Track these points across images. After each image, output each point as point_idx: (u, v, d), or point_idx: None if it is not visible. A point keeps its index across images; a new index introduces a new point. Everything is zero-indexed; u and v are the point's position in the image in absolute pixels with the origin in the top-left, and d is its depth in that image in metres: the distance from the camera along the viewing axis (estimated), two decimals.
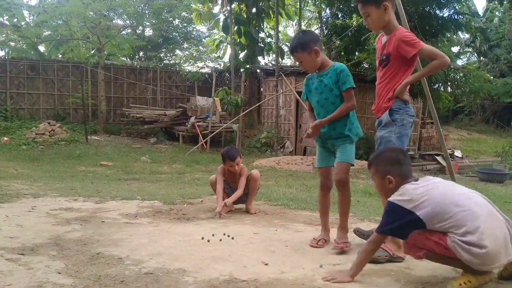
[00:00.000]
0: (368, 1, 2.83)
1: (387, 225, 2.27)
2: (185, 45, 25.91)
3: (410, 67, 2.90)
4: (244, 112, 14.74)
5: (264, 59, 19.69)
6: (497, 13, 24.98)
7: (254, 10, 17.48)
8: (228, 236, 3.29)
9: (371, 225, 4.04)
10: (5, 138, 12.31)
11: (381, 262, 2.74)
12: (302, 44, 3.10)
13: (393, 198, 2.27)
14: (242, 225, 3.80)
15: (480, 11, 25.85)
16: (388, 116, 2.95)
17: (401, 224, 2.22)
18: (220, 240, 3.19)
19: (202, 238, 3.21)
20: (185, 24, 24.73)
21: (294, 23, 26.01)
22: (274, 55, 18.10)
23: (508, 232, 2.17)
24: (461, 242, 2.09)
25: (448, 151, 10.54)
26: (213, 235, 3.30)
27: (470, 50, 26.86)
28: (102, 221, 3.75)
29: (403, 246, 2.34)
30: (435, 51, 2.82)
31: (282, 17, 19.69)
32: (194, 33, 25.93)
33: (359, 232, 3.25)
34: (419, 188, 2.24)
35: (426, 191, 2.21)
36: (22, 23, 16.32)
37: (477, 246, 2.06)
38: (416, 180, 2.35)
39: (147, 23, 21.78)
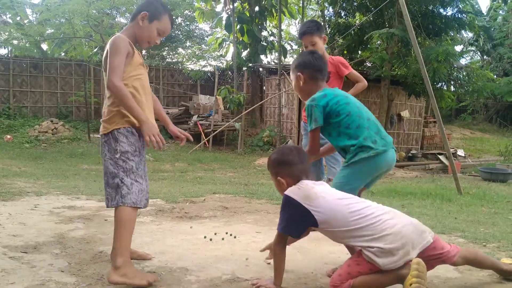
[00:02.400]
0: (315, 32, 3.46)
1: (286, 226, 2.20)
2: (188, 44, 25.88)
3: (340, 85, 3.53)
4: (246, 111, 14.73)
5: (266, 57, 19.71)
6: (500, 11, 24.85)
7: (257, 8, 17.46)
8: (231, 235, 3.29)
9: None
10: (8, 136, 12.34)
11: None
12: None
13: (288, 194, 2.20)
14: (245, 224, 3.81)
15: (484, 10, 25.74)
16: None
17: (296, 224, 2.19)
18: (223, 239, 3.20)
19: (205, 237, 3.21)
20: (188, 23, 24.72)
21: (297, 21, 25.99)
22: (276, 54, 18.07)
23: (411, 222, 2.13)
24: (372, 249, 2.03)
25: (451, 150, 10.51)
26: (215, 234, 3.30)
27: (474, 49, 26.73)
28: (105, 220, 3.76)
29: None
30: (359, 75, 3.66)
31: (285, 16, 19.63)
32: (196, 31, 25.92)
33: None
34: (316, 187, 2.21)
35: (322, 191, 2.18)
36: (25, 21, 16.39)
37: (387, 251, 2.02)
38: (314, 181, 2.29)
39: None
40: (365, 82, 3.65)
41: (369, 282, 2.07)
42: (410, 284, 1.96)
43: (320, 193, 2.16)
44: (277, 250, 2.27)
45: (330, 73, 3.26)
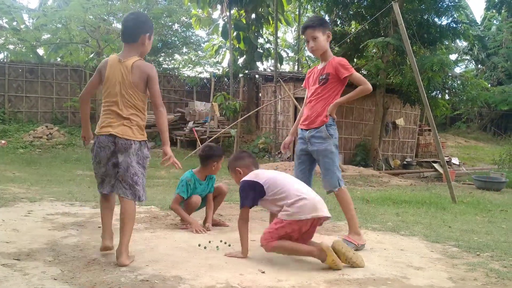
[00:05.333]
0: (318, 26, 3.38)
1: (244, 199, 2.95)
2: (184, 50, 25.92)
3: (342, 89, 3.44)
4: (242, 118, 14.74)
5: (262, 64, 19.75)
6: (495, 21, 25.11)
7: (253, 16, 17.54)
8: (225, 243, 3.28)
9: (368, 233, 4.05)
10: (3, 141, 12.28)
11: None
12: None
13: (243, 179, 3.03)
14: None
15: (478, 20, 26.00)
16: (326, 131, 3.38)
17: (251, 194, 2.93)
18: (217, 247, 3.19)
19: (199, 245, 3.20)
20: (185, 29, 24.74)
21: (293, 29, 26.11)
22: (273, 61, 18.12)
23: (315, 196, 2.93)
24: (289, 205, 2.81)
25: (446, 158, 10.55)
26: (209, 242, 3.30)
27: (468, 58, 26.96)
28: (99, 227, 3.72)
29: (260, 241, 2.88)
30: (362, 78, 3.40)
31: (281, 23, 19.75)
32: (193, 38, 25.95)
33: None
34: (263, 171, 3.06)
35: (267, 172, 3.04)
36: (22, 26, 16.33)
37: (297, 202, 2.81)
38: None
39: None
40: (368, 86, 3.37)
41: (287, 247, 2.84)
42: (332, 261, 2.75)
43: (266, 172, 3.04)
44: (240, 224, 2.98)
45: (330, 75, 3.35)
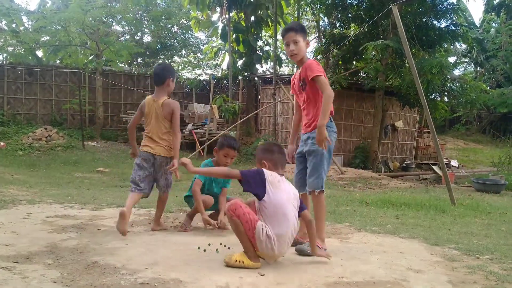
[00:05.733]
0: (299, 31, 3.37)
1: (248, 174, 2.86)
2: (184, 52, 25.97)
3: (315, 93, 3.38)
4: (241, 120, 14.74)
5: (262, 67, 19.75)
6: (493, 24, 25.18)
7: (252, 18, 17.55)
8: (225, 246, 3.28)
9: (367, 236, 4.05)
10: (2, 143, 12.26)
11: (310, 255, 3.11)
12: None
13: (264, 170, 2.91)
14: None
15: (477, 22, 26.07)
16: None
17: (255, 182, 2.83)
18: (217, 250, 3.19)
19: (199, 248, 3.20)
20: (184, 31, 24.80)
21: None
22: (272, 63, 18.14)
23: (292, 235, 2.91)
24: (267, 233, 2.76)
25: (445, 160, 10.56)
26: (209, 244, 3.29)
27: (467, 60, 27.02)
28: (98, 229, 3.74)
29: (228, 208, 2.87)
30: (323, 83, 3.26)
31: (280, 26, 19.72)
32: (192, 40, 26.01)
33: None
34: (282, 181, 2.92)
35: (280, 183, 2.88)
36: (21, 28, 16.34)
37: (272, 245, 2.76)
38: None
39: (146, 30, 21.83)
40: (328, 92, 3.22)
41: (240, 231, 2.82)
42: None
43: (281, 186, 2.87)
44: (223, 171, 3.11)
45: (305, 79, 3.37)
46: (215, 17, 19.41)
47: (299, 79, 3.48)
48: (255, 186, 2.84)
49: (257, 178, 2.85)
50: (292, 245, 3.09)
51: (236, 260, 2.80)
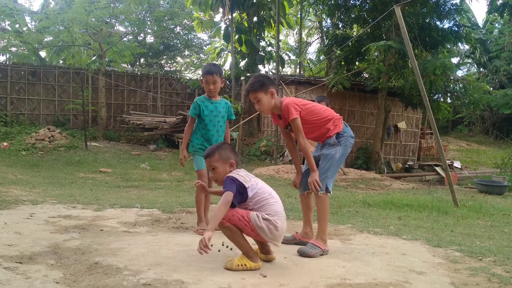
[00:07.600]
0: (258, 89, 3.31)
1: (229, 186, 2.83)
2: (186, 53, 26.02)
3: (312, 114, 3.43)
4: (244, 120, 14.74)
5: (264, 67, 19.75)
6: (497, 25, 25.12)
7: (255, 19, 17.56)
8: (227, 246, 3.28)
9: (369, 237, 4.04)
10: (5, 143, 12.30)
11: (316, 257, 3.17)
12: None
13: (231, 174, 2.91)
14: None
15: (480, 23, 26.01)
16: (335, 139, 3.46)
17: (240, 193, 2.83)
18: (219, 250, 3.19)
19: None
20: (186, 32, 24.86)
21: (295, 32, 26.16)
22: (274, 64, 18.17)
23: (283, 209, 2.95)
24: (263, 217, 2.79)
25: (447, 161, 10.54)
26: (211, 245, 3.28)
27: (470, 61, 26.97)
28: (101, 230, 3.74)
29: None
30: (298, 129, 3.34)
31: (283, 27, 19.78)
32: (195, 40, 26.07)
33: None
34: (249, 175, 2.96)
35: (253, 177, 2.95)
36: (24, 28, 16.39)
37: (274, 224, 2.80)
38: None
39: (149, 30, 21.89)
40: (301, 141, 3.33)
41: (236, 238, 2.87)
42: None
43: (249, 176, 2.95)
44: (222, 205, 2.79)
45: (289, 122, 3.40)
46: (217, 17, 19.45)
47: (284, 124, 3.50)
48: (243, 194, 2.87)
49: (239, 188, 2.86)
50: (294, 244, 3.07)
51: (238, 265, 2.79)
